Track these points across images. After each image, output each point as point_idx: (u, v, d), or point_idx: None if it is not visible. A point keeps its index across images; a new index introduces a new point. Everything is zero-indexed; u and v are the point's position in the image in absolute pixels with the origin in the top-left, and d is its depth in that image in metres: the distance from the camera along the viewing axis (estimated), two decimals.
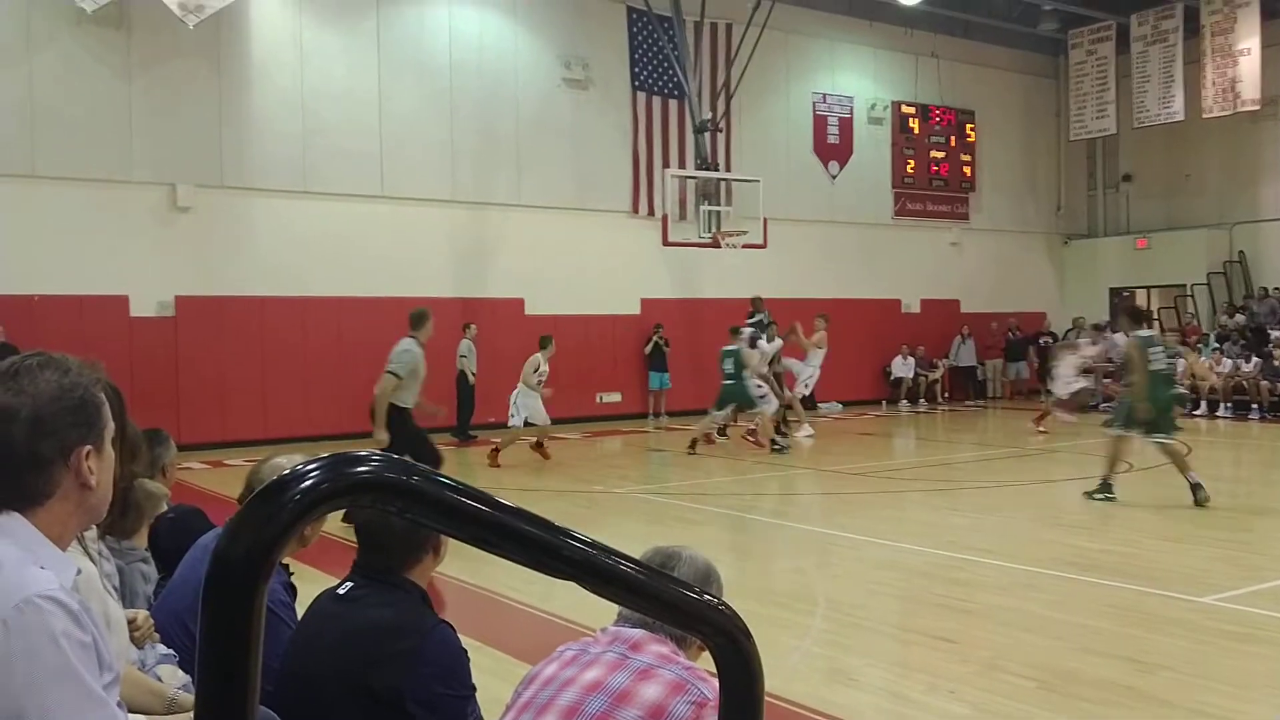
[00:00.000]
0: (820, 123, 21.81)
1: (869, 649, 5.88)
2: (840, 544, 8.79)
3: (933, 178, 23.32)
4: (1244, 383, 18.58)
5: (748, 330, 15.12)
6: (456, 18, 17.79)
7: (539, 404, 13.39)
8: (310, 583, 3.25)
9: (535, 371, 13.44)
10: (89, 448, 1.62)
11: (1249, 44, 20.39)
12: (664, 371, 18.97)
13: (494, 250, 17.90)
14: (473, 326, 16.34)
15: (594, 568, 1.14)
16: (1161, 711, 4.73)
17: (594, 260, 18.55)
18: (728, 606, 1.34)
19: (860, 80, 22.36)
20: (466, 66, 17.70)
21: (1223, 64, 20.74)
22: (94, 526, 2.27)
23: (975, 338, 22.92)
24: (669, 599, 1.27)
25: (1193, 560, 7.82)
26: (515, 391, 13.54)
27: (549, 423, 13.63)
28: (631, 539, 7.30)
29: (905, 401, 21.73)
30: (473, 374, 16.26)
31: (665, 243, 17.92)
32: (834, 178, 21.94)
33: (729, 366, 14.26)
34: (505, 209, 17.99)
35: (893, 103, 22.78)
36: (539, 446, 13.65)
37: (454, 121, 17.57)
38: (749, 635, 1.31)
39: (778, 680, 4.96)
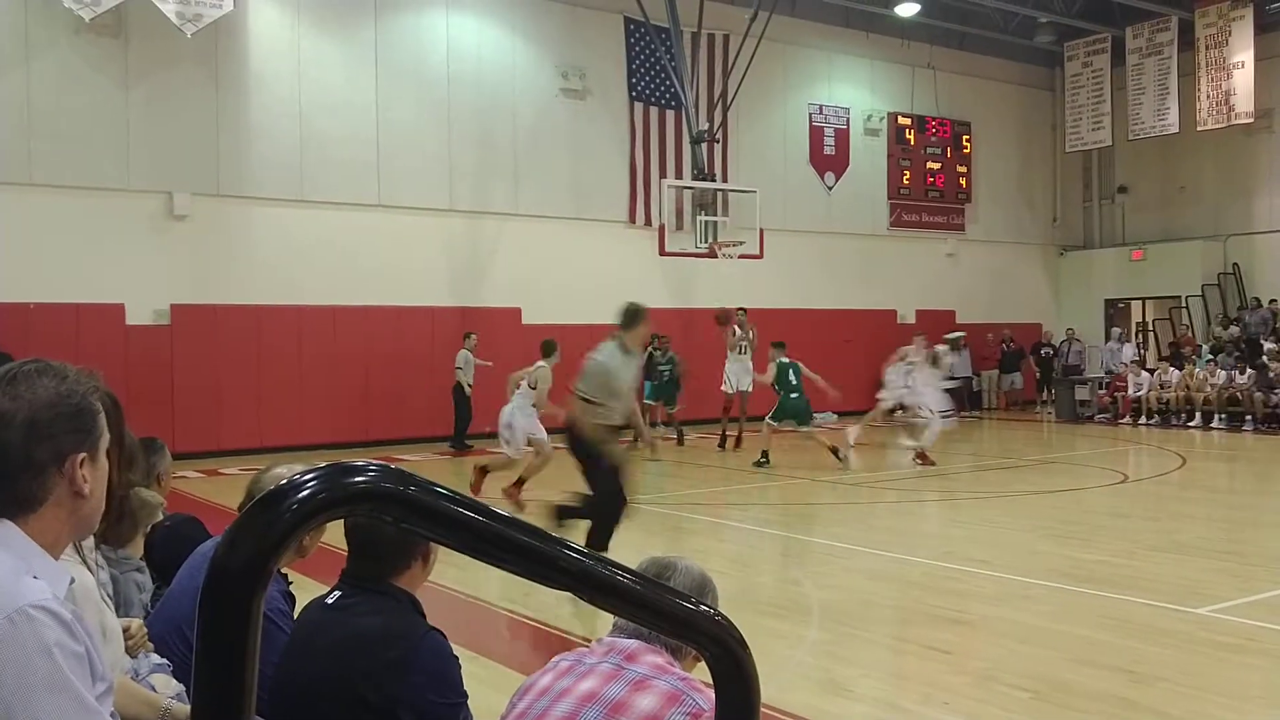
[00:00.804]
0: (817, 134, 21.86)
1: (864, 659, 5.87)
2: (836, 554, 8.79)
3: (929, 189, 23.37)
4: (1238, 394, 18.61)
5: (950, 341, 14.74)
6: (454, 28, 17.83)
7: (537, 423, 10.92)
8: (309, 593, 3.24)
9: (532, 387, 10.96)
10: (83, 455, 1.62)
11: (1243, 57, 20.48)
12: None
13: (491, 260, 17.92)
14: (473, 336, 16.31)
15: (590, 578, 1.15)
16: None
17: (591, 270, 18.55)
18: (724, 617, 1.34)
19: (857, 91, 22.42)
20: (464, 76, 17.73)
21: (1217, 77, 20.83)
22: (90, 535, 2.27)
23: (971, 349, 22.93)
24: (665, 609, 1.27)
25: (1187, 571, 7.82)
26: (509, 409, 11.04)
27: (551, 451, 10.64)
28: (627, 549, 7.31)
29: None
30: (469, 385, 16.20)
31: (662, 253, 17.93)
32: (830, 189, 21.99)
33: (793, 379, 14.17)
34: (502, 218, 18.01)
35: (889, 114, 22.84)
36: (518, 483, 10.59)
37: (451, 131, 17.60)
38: (745, 645, 1.32)
39: (772, 690, 4.95)
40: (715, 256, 17.74)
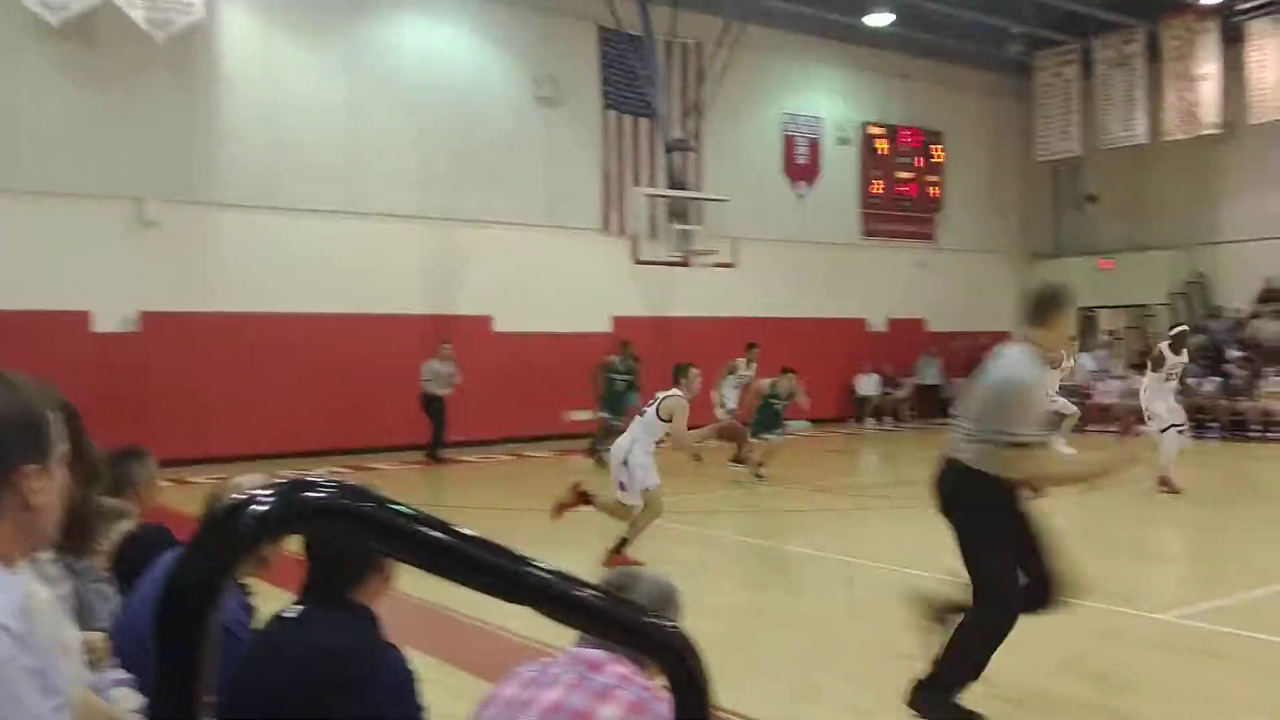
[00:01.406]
0: (789, 143, 21.97)
1: (839, 667, 5.89)
2: (811, 562, 8.82)
3: (900, 198, 23.54)
4: (1203, 402, 18.83)
5: (1174, 338, 12.24)
6: (428, 34, 17.82)
7: (653, 468, 8.60)
8: (274, 602, 3.23)
9: (664, 418, 8.65)
10: (34, 467, 1.60)
11: (1208, 69, 20.77)
12: (634, 391, 18.84)
13: (463, 267, 17.87)
14: (446, 346, 16.11)
15: (549, 593, 1.15)
16: None
17: (564, 277, 18.56)
18: (678, 628, 1.35)
19: (829, 101, 22.56)
20: (437, 83, 17.70)
21: (1182, 88, 21.10)
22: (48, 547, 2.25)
23: (942, 357, 23.11)
24: (622, 623, 1.28)
25: (1156, 577, 7.90)
26: (628, 448, 8.64)
27: (661, 504, 8.66)
28: (600, 558, 7.31)
29: (871, 419, 21.86)
30: (442, 393, 15.88)
31: (636, 261, 17.95)
32: (802, 197, 22.09)
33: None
34: (475, 226, 17.98)
35: (861, 123, 23.00)
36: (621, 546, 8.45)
37: (425, 137, 17.56)
38: (697, 656, 1.33)
39: (745, 698, 4.97)
40: (689, 265, 17.78)
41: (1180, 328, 12.59)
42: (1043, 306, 4.82)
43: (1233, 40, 20.86)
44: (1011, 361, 4.66)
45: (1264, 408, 18.64)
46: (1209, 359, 20.03)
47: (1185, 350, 12.16)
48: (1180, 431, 11.99)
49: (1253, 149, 21.35)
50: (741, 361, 15.80)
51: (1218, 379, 18.98)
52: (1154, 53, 21.58)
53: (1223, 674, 5.60)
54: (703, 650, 1.37)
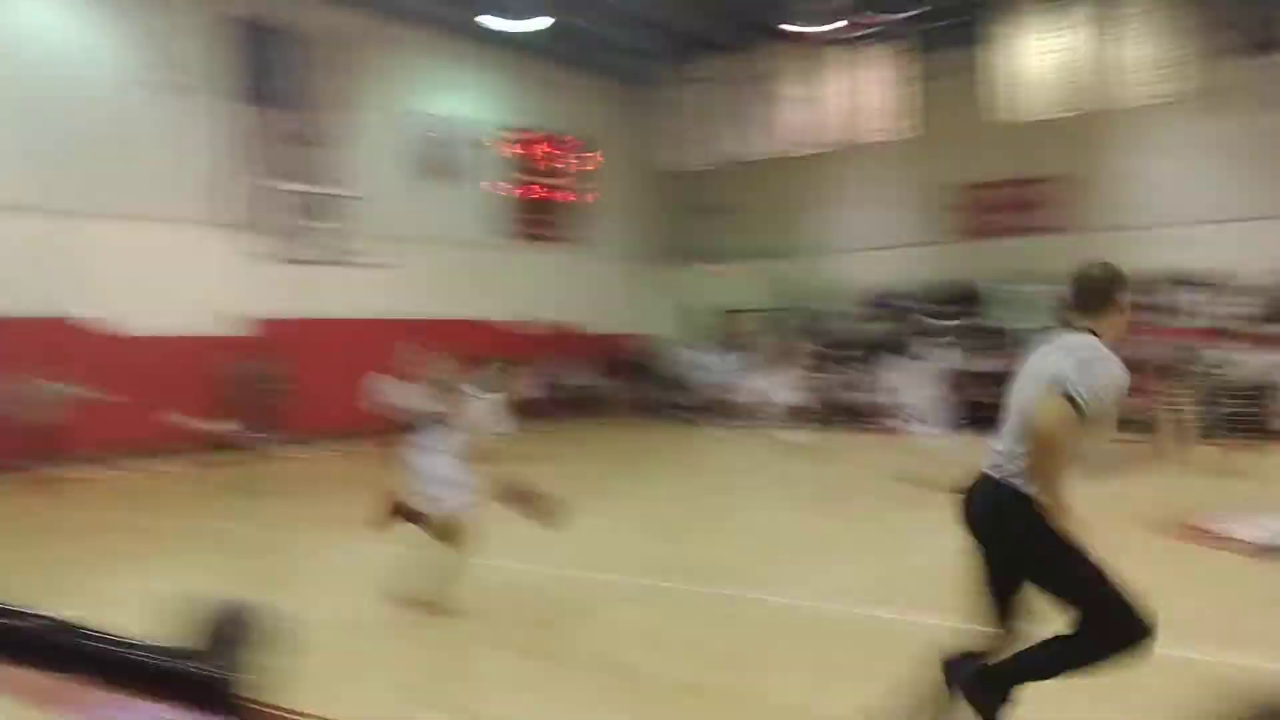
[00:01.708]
0: (431, 143, 21.77)
1: (439, 665, 5.88)
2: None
3: (543, 201, 24.16)
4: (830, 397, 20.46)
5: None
6: (34, 15, 16.16)
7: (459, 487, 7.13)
8: None
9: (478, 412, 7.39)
10: None
11: (823, 89, 22.84)
12: (273, 398, 17.96)
13: (76, 264, 16.21)
14: (46, 370, 14.44)
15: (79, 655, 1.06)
16: (737, 708, 5.11)
17: (189, 276, 17.33)
18: (223, 669, 1.30)
19: (472, 103, 22.68)
20: (44, 66, 16.05)
21: (799, 105, 23.07)
22: None
23: (587, 357, 23.88)
24: (155, 673, 1.21)
25: (768, 558, 8.52)
26: (432, 461, 7.19)
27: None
28: (201, 577, 6.87)
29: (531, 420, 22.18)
30: (44, 416, 14.16)
31: (268, 259, 17.10)
32: (444, 199, 21.99)
33: None
34: (87, 219, 16.38)
35: (506, 127, 23.33)
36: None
37: (29, 123, 15.85)
38: (239, 694, 1.29)
39: (339, 703, 4.87)
40: (326, 264, 17.24)
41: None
42: (1104, 291, 3.98)
43: (844, 64, 23.00)
44: (1089, 344, 3.79)
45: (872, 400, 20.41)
46: (829, 358, 21.79)
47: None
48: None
49: (861, 166, 23.70)
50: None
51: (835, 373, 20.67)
52: (772, 73, 23.41)
53: (829, 647, 6.08)
54: (264, 685, 1.33)
